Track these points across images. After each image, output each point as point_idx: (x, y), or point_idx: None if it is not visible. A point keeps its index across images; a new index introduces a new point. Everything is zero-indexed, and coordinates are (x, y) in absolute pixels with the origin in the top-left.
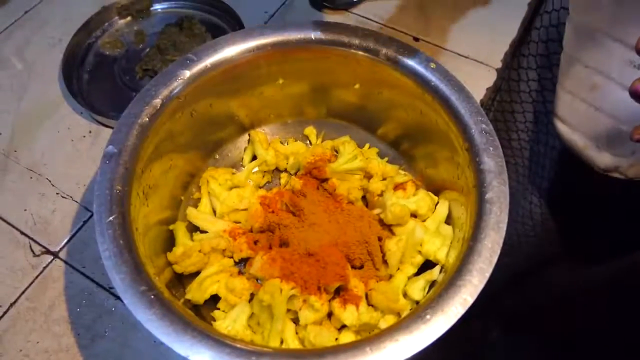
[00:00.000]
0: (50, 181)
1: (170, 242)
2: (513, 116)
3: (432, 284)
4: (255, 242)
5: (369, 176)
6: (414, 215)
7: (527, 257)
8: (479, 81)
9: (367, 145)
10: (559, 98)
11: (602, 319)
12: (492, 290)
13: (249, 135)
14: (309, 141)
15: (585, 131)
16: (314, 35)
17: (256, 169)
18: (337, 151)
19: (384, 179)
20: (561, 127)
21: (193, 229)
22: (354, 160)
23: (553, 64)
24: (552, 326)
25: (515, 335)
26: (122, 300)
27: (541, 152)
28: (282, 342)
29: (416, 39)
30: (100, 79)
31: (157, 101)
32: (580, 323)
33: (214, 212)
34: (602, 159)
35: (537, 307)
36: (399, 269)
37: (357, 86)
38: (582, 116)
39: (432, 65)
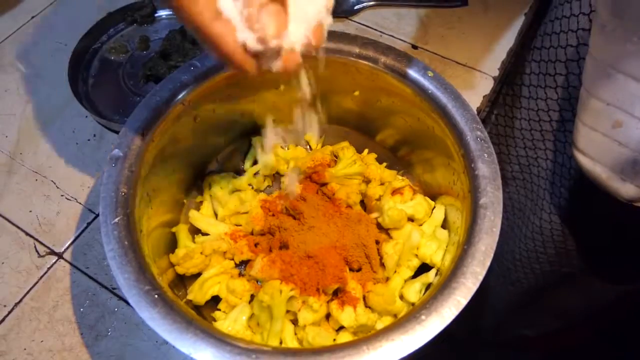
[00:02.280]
0: (55, 183)
1: (172, 244)
2: (521, 133)
3: (428, 286)
4: (256, 245)
5: (367, 181)
6: (411, 219)
7: (536, 275)
8: (476, 89)
9: (365, 151)
10: (579, 131)
11: (607, 339)
12: (503, 306)
13: (251, 140)
14: (309, 146)
15: (608, 163)
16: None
17: (257, 173)
18: (336, 156)
19: (382, 184)
20: (582, 159)
21: (195, 231)
22: (352, 165)
23: (559, 85)
24: (556, 345)
25: (520, 353)
26: (125, 301)
27: (550, 169)
28: (281, 342)
29: (415, 47)
30: (105, 83)
31: (162, 106)
32: (584, 342)
33: (216, 215)
34: (627, 189)
35: (544, 325)
36: (395, 271)
37: (356, 93)
38: (604, 149)
39: (430, 73)
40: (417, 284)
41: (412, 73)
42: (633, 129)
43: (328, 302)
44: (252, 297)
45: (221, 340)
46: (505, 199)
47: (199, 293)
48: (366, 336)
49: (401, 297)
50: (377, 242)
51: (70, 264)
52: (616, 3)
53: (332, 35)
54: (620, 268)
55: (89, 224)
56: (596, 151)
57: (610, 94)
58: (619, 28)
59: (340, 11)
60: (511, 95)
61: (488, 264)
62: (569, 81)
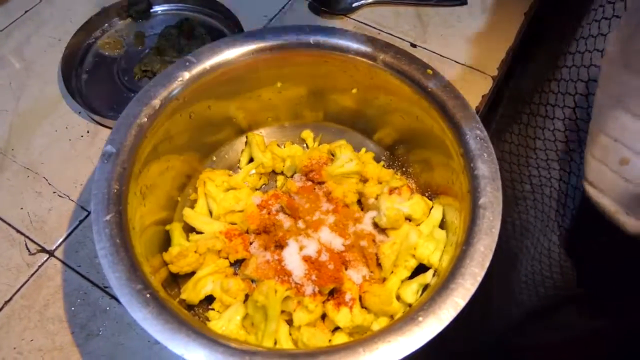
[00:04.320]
0: (47, 180)
1: (166, 242)
2: (535, 152)
3: (425, 287)
4: (251, 244)
5: (364, 180)
6: (408, 219)
7: (540, 298)
8: (475, 88)
9: (363, 150)
10: (588, 164)
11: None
12: (506, 326)
13: (247, 137)
14: (306, 144)
15: (615, 197)
16: (312, 39)
17: (253, 171)
18: (333, 155)
19: (380, 183)
20: (590, 190)
21: (189, 229)
22: (349, 163)
23: (578, 106)
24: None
25: None
26: (117, 300)
27: (563, 190)
28: (275, 342)
29: (413, 46)
30: (99, 79)
31: (156, 102)
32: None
33: (210, 213)
34: (632, 224)
35: (546, 348)
36: (392, 272)
37: (354, 91)
38: (611, 183)
39: (429, 71)
40: (414, 285)
41: (412, 71)
42: (638, 166)
43: (324, 302)
44: (247, 296)
45: (214, 340)
46: (515, 218)
47: (192, 292)
48: (362, 337)
49: (398, 297)
50: (374, 242)
51: (62, 262)
52: (626, 42)
53: (330, 31)
54: (618, 299)
55: (81, 221)
56: (604, 184)
57: (618, 130)
58: (626, 65)
59: (339, 9)
60: (528, 113)
61: (487, 265)
62: (589, 102)
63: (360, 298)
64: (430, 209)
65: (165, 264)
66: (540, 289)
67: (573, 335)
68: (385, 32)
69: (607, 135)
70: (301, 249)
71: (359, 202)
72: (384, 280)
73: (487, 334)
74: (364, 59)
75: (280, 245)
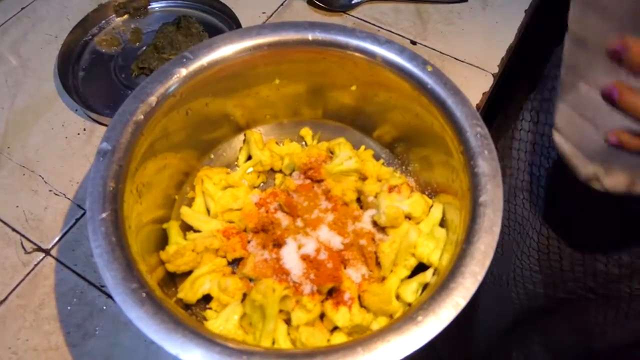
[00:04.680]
0: (43, 178)
1: (163, 240)
2: (542, 138)
3: (425, 286)
4: (249, 242)
5: (363, 178)
6: (408, 217)
7: (529, 297)
8: (475, 86)
9: (362, 147)
10: (558, 110)
11: None
12: (494, 328)
13: (245, 135)
14: (305, 142)
15: (577, 141)
16: (311, 35)
17: (251, 169)
18: (332, 152)
19: (379, 181)
20: (557, 137)
21: (186, 228)
22: (349, 161)
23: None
24: None
25: None
26: (113, 299)
27: (555, 182)
28: (273, 342)
29: (413, 43)
30: (95, 76)
31: (153, 99)
32: None
33: (208, 211)
34: (586, 168)
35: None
36: (392, 271)
37: (353, 88)
38: (578, 128)
39: (429, 68)
40: (414, 284)
41: (411, 67)
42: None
43: (322, 301)
44: (245, 296)
45: (211, 340)
46: (512, 212)
47: (189, 291)
48: (361, 337)
49: (397, 297)
50: (373, 241)
51: (58, 260)
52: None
53: (329, 27)
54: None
55: (77, 220)
56: (570, 129)
57: (587, 72)
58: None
59: (338, 5)
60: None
61: (488, 264)
62: None
63: (359, 297)
64: (430, 207)
65: (162, 262)
66: (529, 285)
67: (563, 350)
68: (385, 29)
69: (579, 77)
70: (299, 247)
71: (358, 200)
72: (383, 279)
73: (477, 342)
74: (363, 56)
75: (279, 244)
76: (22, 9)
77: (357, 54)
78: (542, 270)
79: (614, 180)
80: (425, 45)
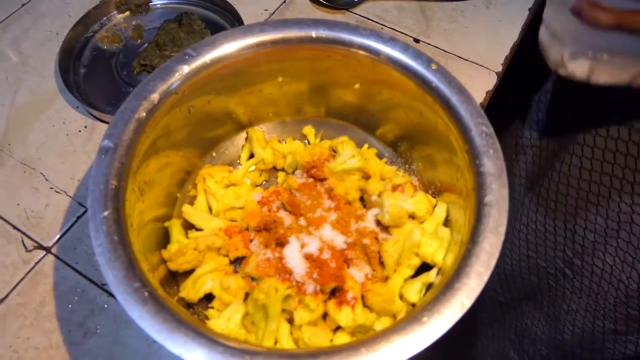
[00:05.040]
0: (44, 175)
1: (165, 239)
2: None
3: (429, 286)
4: (251, 241)
5: (367, 177)
6: (411, 217)
7: (510, 288)
8: (479, 84)
9: (365, 146)
10: (547, 5)
11: None
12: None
13: (247, 133)
14: (307, 140)
15: (554, 29)
16: (314, 33)
17: (253, 167)
18: (335, 151)
19: (383, 180)
20: (541, 30)
21: (188, 226)
22: (352, 160)
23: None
24: None
25: None
26: (114, 297)
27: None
28: (276, 342)
29: (417, 41)
30: (97, 73)
31: (155, 96)
32: None
33: (210, 210)
34: (555, 53)
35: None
36: (395, 270)
37: (357, 86)
38: (556, 16)
39: (434, 66)
40: (418, 284)
41: (415, 65)
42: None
43: (325, 301)
44: (247, 295)
45: (213, 340)
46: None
47: (191, 290)
48: (364, 337)
49: (401, 297)
50: (377, 240)
51: (59, 258)
52: None
53: (333, 25)
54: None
55: (78, 217)
56: (556, 23)
57: None
58: None
59: (341, 3)
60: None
61: (493, 264)
62: None
63: (362, 297)
64: (434, 207)
65: (164, 261)
66: (525, 272)
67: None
68: (388, 27)
69: None
70: (302, 246)
71: (362, 199)
72: (386, 278)
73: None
74: (367, 53)
75: (281, 243)
76: (23, 5)
77: (361, 52)
78: (530, 245)
79: (577, 66)
80: (429, 44)
